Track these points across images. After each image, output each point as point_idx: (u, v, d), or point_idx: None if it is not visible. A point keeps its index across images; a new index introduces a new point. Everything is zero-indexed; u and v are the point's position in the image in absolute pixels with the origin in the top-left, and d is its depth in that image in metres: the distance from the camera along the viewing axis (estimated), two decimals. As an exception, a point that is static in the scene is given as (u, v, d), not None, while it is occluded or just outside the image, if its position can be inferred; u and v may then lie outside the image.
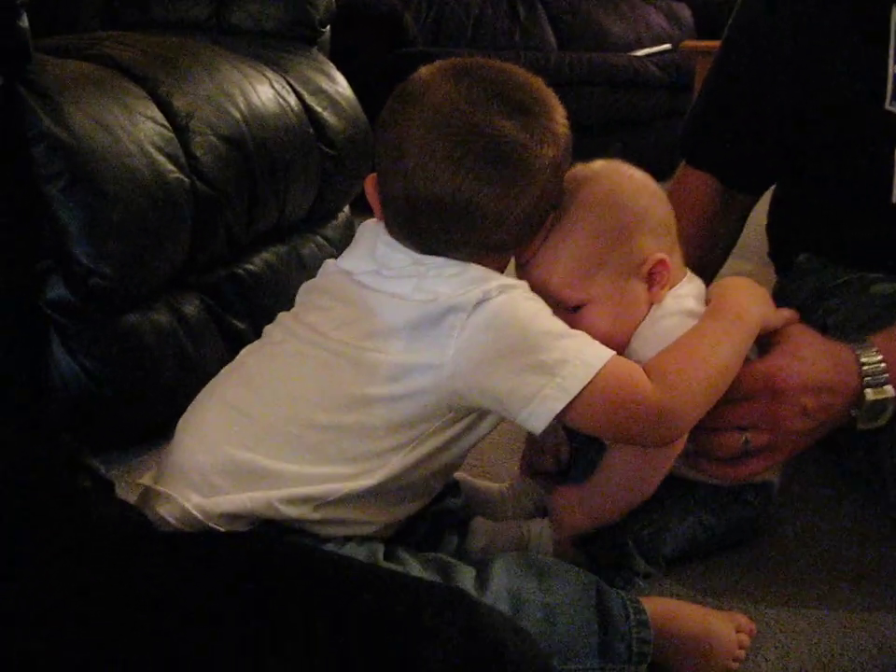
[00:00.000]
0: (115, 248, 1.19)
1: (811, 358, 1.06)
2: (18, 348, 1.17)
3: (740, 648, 0.98)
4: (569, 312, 1.01)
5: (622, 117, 3.66)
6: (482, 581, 0.91)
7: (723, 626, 0.97)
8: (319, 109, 1.69)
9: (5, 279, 1.15)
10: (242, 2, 1.83)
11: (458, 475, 1.19)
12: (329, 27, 1.97)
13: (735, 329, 0.99)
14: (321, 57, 1.87)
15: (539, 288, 0.96)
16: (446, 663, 0.65)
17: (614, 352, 0.91)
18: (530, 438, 1.24)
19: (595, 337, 0.93)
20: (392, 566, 0.90)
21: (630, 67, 3.73)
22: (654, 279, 1.05)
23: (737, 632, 0.98)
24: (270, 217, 1.54)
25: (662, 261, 1.04)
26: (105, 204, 1.11)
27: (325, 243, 1.80)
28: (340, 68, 1.87)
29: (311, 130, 1.64)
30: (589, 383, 0.88)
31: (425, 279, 0.90)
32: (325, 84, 1.75)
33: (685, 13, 4.63)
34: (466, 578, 0.91)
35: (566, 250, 1.01)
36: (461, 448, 0.97)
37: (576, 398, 0.87)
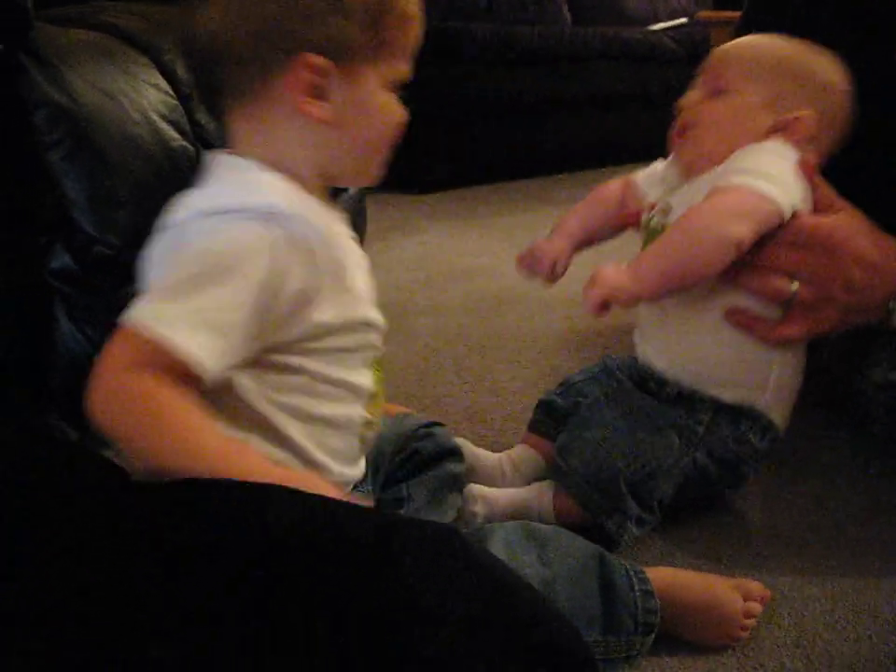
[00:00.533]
0: (119, 217, 1.18)
1: (866, 235, 1.06)
2: (22, 318, 1.16)
3: (750, 616, 0.97)
4: (710, 95, 1.12)
5: (638, 91, 3.64)
6: None
7: (730, 594, 0.96)
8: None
9: (8, 249, 1.14)
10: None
11: (459, 440, 1.19)
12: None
13: None
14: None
15: None
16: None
17: None
18: (539, 243, 1.25)
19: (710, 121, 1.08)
20: None
21: (646, 41, 3.71)
22: (789, 127, 1.08)
23: (747, 600, 0.97)
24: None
25: (804, 118, 1.08)
26: (107, 172, 1.10)
27: (335, 215, 1.79)
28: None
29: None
30: None
31: None
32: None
33: (702, -14, 4.59)
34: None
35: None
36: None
37: None
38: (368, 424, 0.92)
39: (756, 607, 0.97)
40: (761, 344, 1.10)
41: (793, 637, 0.98)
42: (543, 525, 0.97)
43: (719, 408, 1.13)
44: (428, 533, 0.70)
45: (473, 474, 1.19)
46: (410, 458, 1.09)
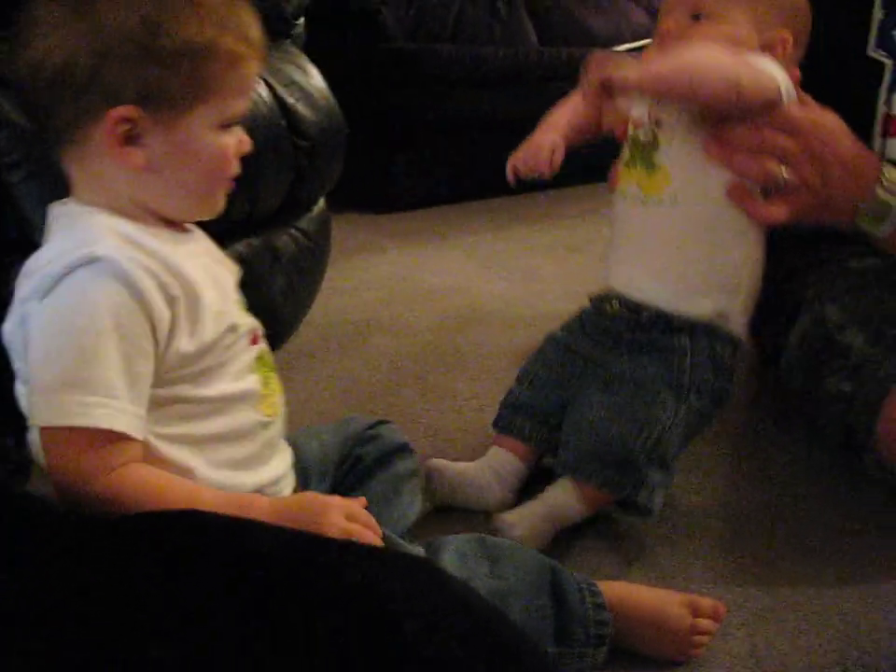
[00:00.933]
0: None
1: (848, 137, 1.13)
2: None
3: (700, 633, 0.98)
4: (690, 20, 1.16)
5: (603, 111, 3.67)
6: None
7: (678, 610, 0.98)
8: (291, 101, 1.68)
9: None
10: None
11: (439, 463, 1.21)
12: (302, 20, 1.97)
13: None
14: (294, 49, 1.86)
15: None
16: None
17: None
18: (532, 139, 1.26)
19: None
20: None
21: (611, 62, 3.74)
22: (776, 47, 1.15)
23: (697, 616, 0.98)
24: (240, 208, 1.54)
25: (787, 38, 1.15)
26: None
27: (300, 235, 1.80)
28: (318, 63, 1.86)
29: (283, 121, 1.64)
30: None
31: None
32: (297, 76, 1.75)
33: (666, 8, 4.64)
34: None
35: None
36: None
37: None
38: (265, 424, 0.93)
39: (706, 623, 0.98)
40: (735, 248, 1.17)
41: (747, 647, 1.00)
42: (498, 539, 0.99)
43: (694, 329, 1.18)
44: (407, 566, 0.72)
45: (459, 491, 1.23)
46: (354, 466, 1.09)
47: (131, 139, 0.81)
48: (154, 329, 0.81)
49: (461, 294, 2.26)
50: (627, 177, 1.21)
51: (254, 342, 0.94)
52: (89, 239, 0.81)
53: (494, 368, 1.78)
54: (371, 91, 3.10)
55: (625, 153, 1.22)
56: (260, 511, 0.82)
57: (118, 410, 0.78)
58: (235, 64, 0.83)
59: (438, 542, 0.95)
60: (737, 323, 1.20)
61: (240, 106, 0.87)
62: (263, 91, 1.63)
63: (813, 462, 1.40)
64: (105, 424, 0.77)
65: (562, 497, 1.16)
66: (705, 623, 0.98)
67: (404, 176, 3.26)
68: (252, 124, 1.53)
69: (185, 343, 0.84)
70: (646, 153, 1.17)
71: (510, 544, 0.97)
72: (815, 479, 1.35)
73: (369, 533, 0.82)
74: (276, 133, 1.62)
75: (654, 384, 1.16)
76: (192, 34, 0.80)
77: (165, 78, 0.80)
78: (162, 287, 0.81)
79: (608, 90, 1.08)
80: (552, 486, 1.18)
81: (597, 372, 1.22)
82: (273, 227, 1.74)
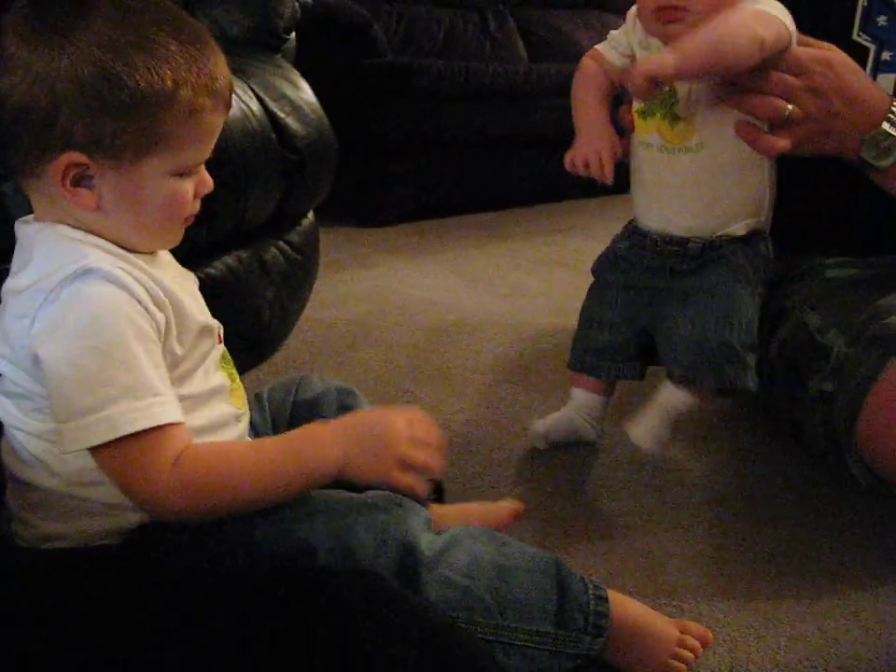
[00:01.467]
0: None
1: (854, 72, 1.21)
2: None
3: (687, 649, 0.98)
4: None
5: (591, 128, 3.68)
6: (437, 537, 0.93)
7: (665, 625, 0.98)
8: (282, 115, 1.69)
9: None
10: (207, 8, 1.84)
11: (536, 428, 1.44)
12: (293, 34, 1.98)
13: None
14: (285, 64, 1.88)
15: None
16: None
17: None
18: (588, 147, 1.33)
19: None
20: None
21: (599, 79, 3.76)
22: None
23: (684, 633, 0.99)
24: (229, 221, 1.55)
25: None
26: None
27: (288, 248, 1.81)
28: (308, 78, 1.88)
29: (273, 135, 1.65)
30: None
31: None
32: (288, 90, 1.76)
33: (655, 27, 4.67)
34: (420, 518, 0.94)
35: None
36: None
37: None
38: (238, 417, 0.97)
39: (692, 642, 0.98)
40: (758, 178, 1.27)
41: (727, 663, 1.01)
42: (506, 536, 0.99)
43: (737, 242, 1.30)
44: (367, 580, 0.73)
45: (564, 439, 1.44)
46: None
47: (83, 180, 0.83)
48: (155, 328, 0.84)
49: (448, 308, 2.27)
50: (646, 127, 1.29)
51: (220, 340, 0.98)
52: (76, 254, 0.83)
53: (479, 382, 1.79)
54: (360, 105, 3.12)
55: (638, 103, 1.29)
56: (326, 435, 0.89)
57: (165, 403, 0.82)
58: (193, 116, 0.83)
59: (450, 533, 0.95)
60: (766, 230, 1.33)
61: (198, 154, 0.87)
62: (254, 104, 1.64)
63: (794, 478, 1.41)
64: (162, 420, 0.82)
65: (673, 399, 1.29)
66: (691, 640, 0.98)
67: (392, 191, 3.27)
68: (243, 138, 1.56)
69: (176, 346, 0.87)
70: (665, 105, 1.25)
71: (516, 541, 0.98)
72: (795, 496, 1.36)
73: (431, 437, 0.90)
74: (267, 147, 1.63)
75: (726, 285, 1.28)
76: (149, 86, 0.80)
77: (119, 129, 0.80)
78: (150, 293, 0.84)
79: (651, 81, 1.12)
80: (661, 394, 1.30)
81: (667, 296, 1.33)
82: (262, 239, 1.75)
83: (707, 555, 1.21)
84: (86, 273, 0.81)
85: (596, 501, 1.34)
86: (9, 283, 0.88)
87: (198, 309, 0.93)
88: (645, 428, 1.29)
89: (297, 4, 1.95)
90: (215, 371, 0.96)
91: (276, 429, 1.10)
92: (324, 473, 0.89)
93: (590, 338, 1.41)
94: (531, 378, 1.82)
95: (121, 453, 0.81)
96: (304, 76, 1.87)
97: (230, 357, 1.01)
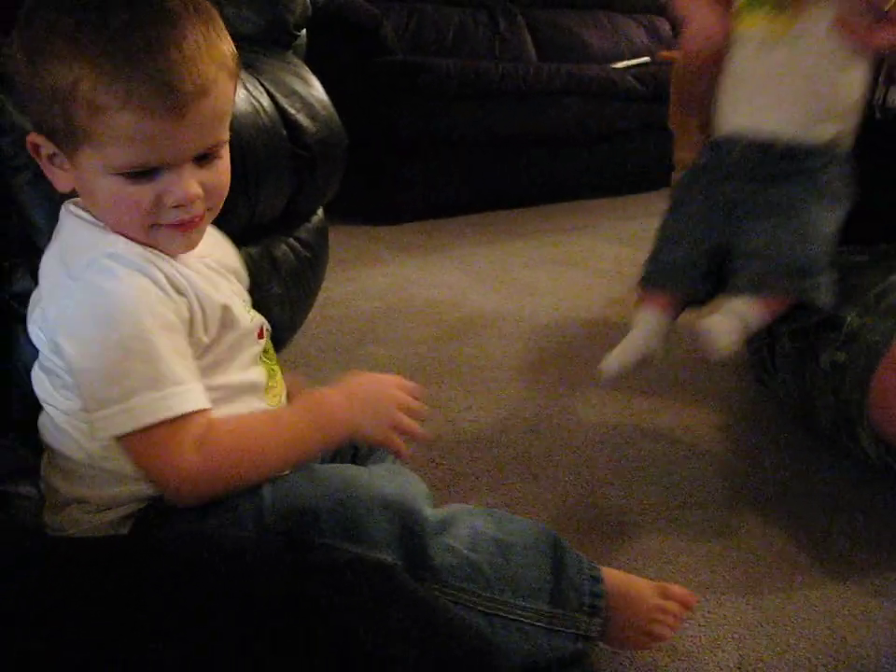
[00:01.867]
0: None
1: None
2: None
3: (668, 613, 0.96)
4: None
5: (600, 128, 3.69)
6: (440, 510, 0.94)
7: (645, 588, 0.97)
8: (293, 111, 1.69)
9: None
10: (217, 6, 1.84)
11: (607, 365, 1.38)
12: (304, 31, 1.98)
13: None
14: (296, 60, 1.88)
15: None
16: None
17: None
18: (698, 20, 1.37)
19: None
20: None
21: (609, 79, 3.76)
22: None
23: (666, 599, 0.97)
24: (240, 217, 1.55)
25: None
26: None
27: (298, 245, 1.81)
28: (318, 75, 1.88)
29: (284, 131, 1.65)
30: None
31: None
32: (299, 87, 1.76)
33: (665, 27, 4.68)
34: (421, 490, 0.96)
35: None
36: None
37: None
38: None
39: (673, 606, 0.97)
40: (852, 75, 1.30)
41: (735, 660, 1.01)
42: (506, 514, 0.99)
43: (820, 152, 1.31)
44: (368, 575, 0.74)
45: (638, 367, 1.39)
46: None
47: (55, 159, 0.84)
48: (177, 313, 0.85)
49: (456, 306, 2.27)
50: (750, 20, 1.34)
51: (260, 336, 0.98)
52: (98, 240, 0.85)
53: (488, 379, 1.79)
54: (369, 103, 3.12)
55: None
56: (335, 399, 0.92)
57: (187, 392, 0.84)
58: (98, 114, 0.78)
59: (448, 512, 0.96)
60: (848, 142, 1.34)
61: (126, 157, 0.80)
62: (265, 100, 1.64)
63: (806, 477, 1.41)
64: (183, 409, 0.83)
65: (743, 308, 1.29)
66: (672, 605, 0.96)
67: (402, 189, 3.28)
68: (253, 133, 1.56)
69: (202, 334, 0.88)
70: None
71: (518, 517, 0.98)
72: (807, 495, 1.36)
73: (415, 403, 0.94)
74: (278, 143, 1.63)
75: (805, 200, 1.30)
76: (58, 76, 0.78)
77: (47, 116, 0.80)
78: (169, 278, 0.85)
79: None
80: (730, 303, 1.31)
81: (747, 208, 1.34)
82: (272, 236, 1.75)
83: (716, 553, 1.21)
84: (107, 258, 0.82)
85: (606, 499, 1.34)
86: (44, 259, 0.90)
87: (226, 299, 0.92)
88: (720, 329, 1.28)
89: (308, 0, 1.95)
90: (252, 365, 0.96)
91: None
92: (337, 437, 0.92)
93: (665, 252, 1.42)
94: (540, 376, 1.82)
95: (145, 441, 0.83)
96: (313, 73, 1.87)
97: (274, 354, 1.02)
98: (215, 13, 0.86)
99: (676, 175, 1.80)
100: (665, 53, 3.45)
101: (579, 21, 4.42)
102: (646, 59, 4.21)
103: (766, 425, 1.61)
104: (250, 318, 0.96)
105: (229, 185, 0.91)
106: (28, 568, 0.71)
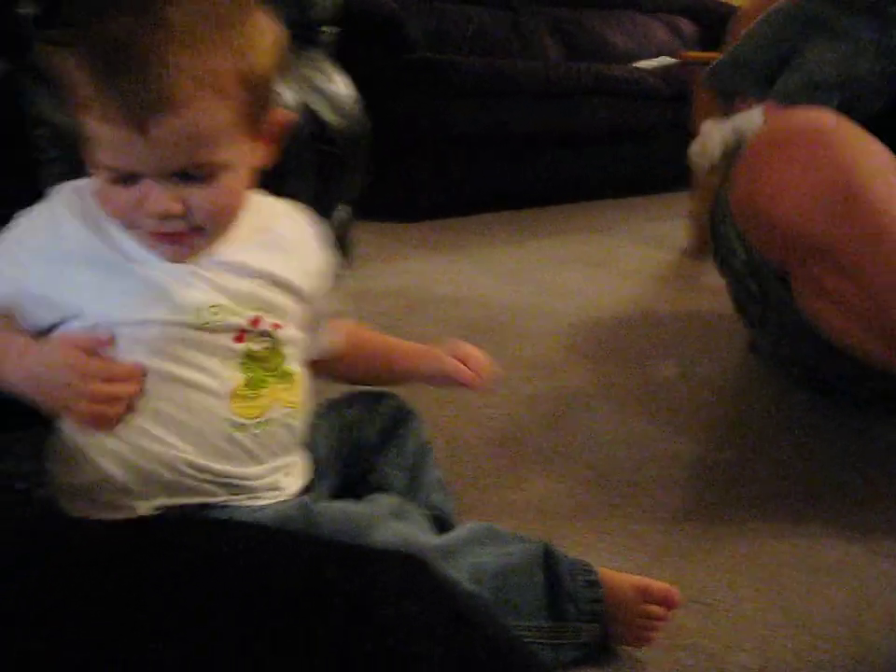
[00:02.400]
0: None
1: None
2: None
3: (651, 617, 0.96)
4: None
5: (623, 127, 3.69)
6: (444, 539, 0.94)
7: (627, 590, 0.96)
8: (317, 107, 1.70)
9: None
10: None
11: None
12: (331, 28, 1.98)
13: None
14: (320, 56, 1.88)
15: None
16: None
17: None
18: None
19: None
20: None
21: (632, 78, 3.76)
22: None
23: (647, 602, 0.96)
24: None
25: None
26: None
27: (323, 240, 1.81)
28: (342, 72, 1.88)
29: (307, 126, 1.66)
30: None
31: None
32: (323, 83, 1.77)
33: (688, 27, 4.66)
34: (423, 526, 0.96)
35: None
36: None
37: None
38: (237, 426, 0.89)
39: (656, 610, 0.96)
40: None
41: (758, 663, 1.01)
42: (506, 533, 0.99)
43: None
44: (396, 569, 0.74)
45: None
46: (356, 451, 1.12)
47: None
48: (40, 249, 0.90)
49: (478, 305, 2.27)
50: None
51: (239, 339, 0.89)
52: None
53: (507, 378, 1.79)
54: (391, 101, 3.13)
55: None
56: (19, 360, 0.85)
57: None
58: (83, 113, 0.80)
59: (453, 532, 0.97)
60: None
61: (106, 159, 0.81)
62: (289, 95, 1.65)
63: (828, 477, 1.40)
64: None
65: (748, 119, 1.40)
66: (654, 609, 0.96)
67: (424, 186, 3.28)
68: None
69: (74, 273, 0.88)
70: None
71: (509, 534, 0.98)
72: (831, 496, 1.36)
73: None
74: (302, 139, 1.64)
75: (870, 43, 1.36)
76: (68, 72, 0.80)
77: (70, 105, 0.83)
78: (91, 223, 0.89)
79: None
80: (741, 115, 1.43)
81: (819, 30, 1.41)
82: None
83: (738, 554, 1.21)
84: (70, 187, 0.92)
85: (627, 498, 1.34)
86: None
87: (182, 282, 0.87)
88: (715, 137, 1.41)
89: (331, -3, 1.96)
90: (231, 370, 0.88)
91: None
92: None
93: (734, 51, 1.60)
94: (562, 375, 1.82)
95: None
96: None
97: (280, 365, 0.93)
98: (240, 29, 0.82)
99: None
100: (688, 53, 3.44)
101: (601, 20, 4.42)
102: (669, 58, 4.20)
103: (792, 426, 1.60)
104: (226, 318, 0.88)
105: (233, 209, 0.88)
106: (28, 568, 0.71)
